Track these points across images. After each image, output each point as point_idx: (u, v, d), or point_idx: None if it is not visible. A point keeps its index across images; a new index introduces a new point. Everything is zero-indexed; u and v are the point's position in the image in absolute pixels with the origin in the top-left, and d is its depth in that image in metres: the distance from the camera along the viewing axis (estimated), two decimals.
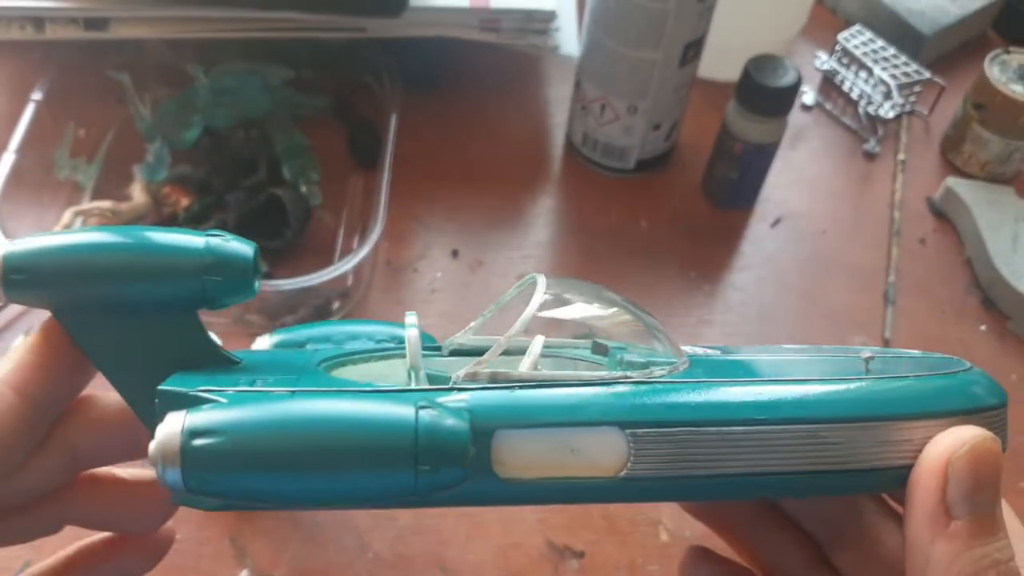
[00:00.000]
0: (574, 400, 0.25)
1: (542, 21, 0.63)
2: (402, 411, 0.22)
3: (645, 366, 0.27)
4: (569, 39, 0.66)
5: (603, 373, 0.26)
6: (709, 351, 0.32)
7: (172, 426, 0.22)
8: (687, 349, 0.31)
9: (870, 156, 0.71)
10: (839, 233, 0.66)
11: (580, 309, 0.31)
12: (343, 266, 0.52)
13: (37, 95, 0.59)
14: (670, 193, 0.67)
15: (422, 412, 0.22)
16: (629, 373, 0.26)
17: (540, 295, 0.28)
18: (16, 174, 0.55)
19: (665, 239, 0.64)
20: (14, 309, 0.56)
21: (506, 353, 0.27)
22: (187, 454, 0.21)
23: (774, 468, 0.25)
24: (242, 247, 0.27)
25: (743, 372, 0.28)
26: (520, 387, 0.25)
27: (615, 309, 0.31)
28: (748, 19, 0.70)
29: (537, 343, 0.27)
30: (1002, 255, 0.62)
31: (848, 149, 0.72)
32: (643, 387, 0.26)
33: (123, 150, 0.62)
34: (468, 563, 0.47)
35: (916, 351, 0.31)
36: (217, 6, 0.59)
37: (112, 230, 0.28)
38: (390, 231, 0.61)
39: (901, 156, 0.71)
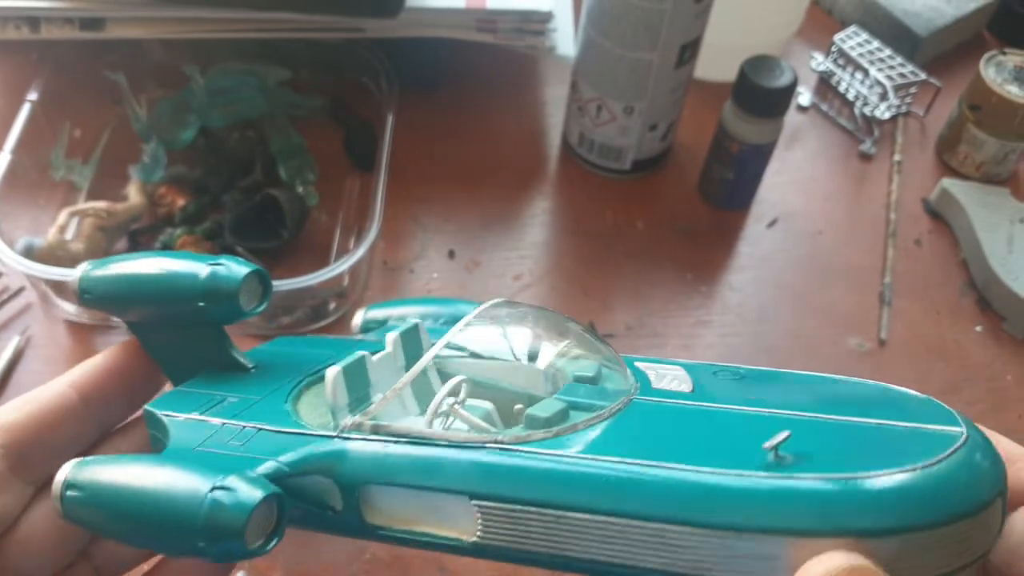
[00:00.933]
0: (433, 464, 0.25)
1: (538, 22, 0.63)
2: (197, 491, 0.24)
3: (545, 422, 0.26)
4: (565, 40, 0.66)
5: (474, 435, 0.26)
6: (681, 379, 0.28)
7: (60, 474, 0.26)
8: (670, 370, 0.29)
9: (866, 157, 0.71)
10: (835, 234, 0.66)
11: (523, 343, 0.31)
12: (340, 267, 0.52)
13: (32, 95, 0.59)
14: (666, 194, 0.67)
15: (212, 494, 0.24)
16: (500, 437, 0.25)
17: (438, 347, 0.29)
18: (12, 175, 0.55)
19: (661, 240, 0.64)
20: (9, 310, 0.56)
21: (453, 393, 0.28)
22: (63, 500, 0.26)
23: (620, 560, 0.23)
24: (231, 276, 0.30)
25: (655, 435, 0.25)
26: (395, 443, 0.26)
27: (565, 343, 0.31)
28: (744, 20, 0.70)
29: (437, 398, 0.27)
30: (997, 256, 0.62)
31: (844, 150, 0.72)
32: (503, 456, 0.25)
33: (119, 150, 0.62)
34: (466, 564, 0.47)
35: (920, 397, 0.26)
36: (213, 6, 0.59)
37: (147, 259, 0.32)
38: (387, 232, 0.61)
39: (897, 157, 0.71)
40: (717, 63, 0.69)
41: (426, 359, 0.28)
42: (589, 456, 0.24)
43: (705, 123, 0.66)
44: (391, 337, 0.31)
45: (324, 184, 0.62)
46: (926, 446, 0.22)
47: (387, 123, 0.61)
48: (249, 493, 0.24)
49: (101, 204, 0.57)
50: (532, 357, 0.30)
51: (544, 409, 0.26)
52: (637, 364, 0.30)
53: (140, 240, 0.58)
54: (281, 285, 0.51)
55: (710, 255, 0.64)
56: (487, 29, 0.63)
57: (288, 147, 0.62)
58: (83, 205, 0.57)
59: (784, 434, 0.23)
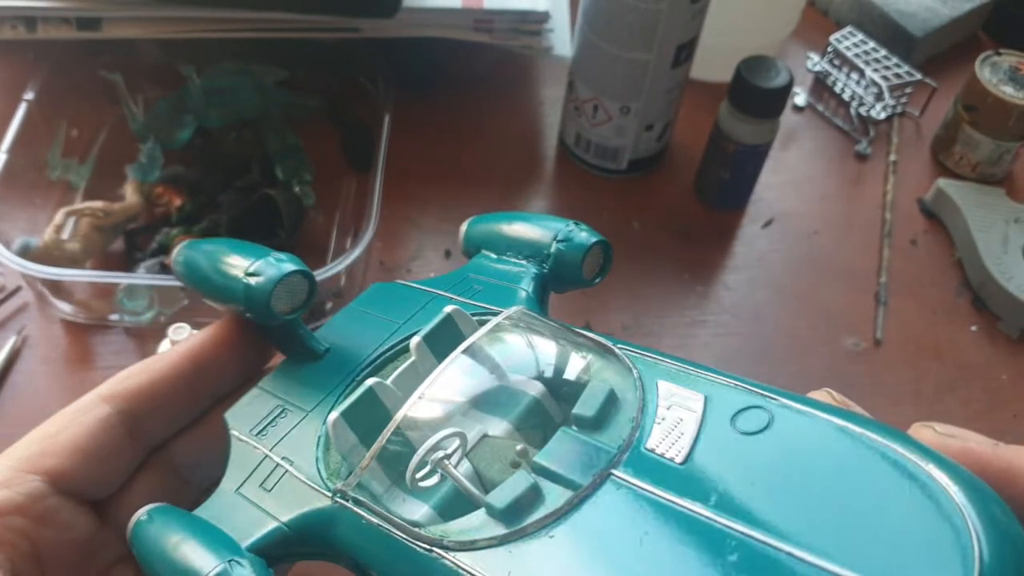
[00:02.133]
0: (389, 559, 0.25)
1: (535, 22, 0.63)
2: None
3: (500, 514, 0.23)
4: (562, 40, 0.66)
5: (424, 534, 0.24)
6: (685, 428, 0.24)
7: (131, 522, 0.28)
8: (684, 399, 0.25)
9: (861, 157, 0.71)
10: (831, 234, 0.66)
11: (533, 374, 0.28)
12: (336, 266, 0.52)
13: (29, 95, 0.59)
14: (663, 194, 0.67)
15: None
16: (446, 540, 0.23)
17: (411, 403, 0.27)
18: (8, 174, 0.55)
19: (658, 239, 0.64)
20: (6, 310, 0.56)
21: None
22: (131, 540, 0.28)
23: None
24: (259, 288, 0.30)
25: (599, 556, 0.22)
26: (370, 521, 0.25)
27: (577, 364, 0.28)
28: (740, 20, 0.70)
29: (417, 456, 0.25)
30: (993, 256, 0.62)
31: (840, 150, 0.72)
32: (437, 566, 0.23)
33: (115, 150, 0.62)
34: None
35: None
36: (210, 6, 0.59)
37: (207, 256, 0.33)
38: (383, 232, 0.61)
39: (892, 157, 0.71)
40: (713, 63, 0.69)
41: (397, 419, 0.26)
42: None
43: (701, 123, 0.67)
44: (414, 343, 0.29)
45: (321, 184, 0.62)
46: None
47: (384, 123, 0.61)
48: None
49: (98, 204, 0.57)
50: (537, 375, 0.28)
51: (505, 494, 0.23)
52: (659, 383, 0.26)
53: (137, 240, 0.58)
54: None
55: (706, 255, 0.64)
56: (484, 29, 0.63)
57: (285, 147, 0.62)
58: (79, 205, 0.57)
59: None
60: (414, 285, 0.35)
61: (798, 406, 0.23)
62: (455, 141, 0.68)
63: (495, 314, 0.30)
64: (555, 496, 0.23)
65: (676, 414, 0.24)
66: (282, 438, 0.30)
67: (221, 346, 0.34)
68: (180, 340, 0.45)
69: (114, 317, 0.55)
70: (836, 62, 0.75)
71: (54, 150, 0.60)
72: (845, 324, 0.61)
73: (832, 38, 0.75)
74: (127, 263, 0.57)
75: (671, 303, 0.61)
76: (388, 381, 0.29)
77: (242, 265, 0.31)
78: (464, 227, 0.37)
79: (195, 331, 0.47)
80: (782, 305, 0.62)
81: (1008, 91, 0.65)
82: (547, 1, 0.63)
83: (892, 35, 0.76)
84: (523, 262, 0.34)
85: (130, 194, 0.59)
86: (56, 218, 0.56)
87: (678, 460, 0.23)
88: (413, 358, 0.29)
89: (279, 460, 0.29)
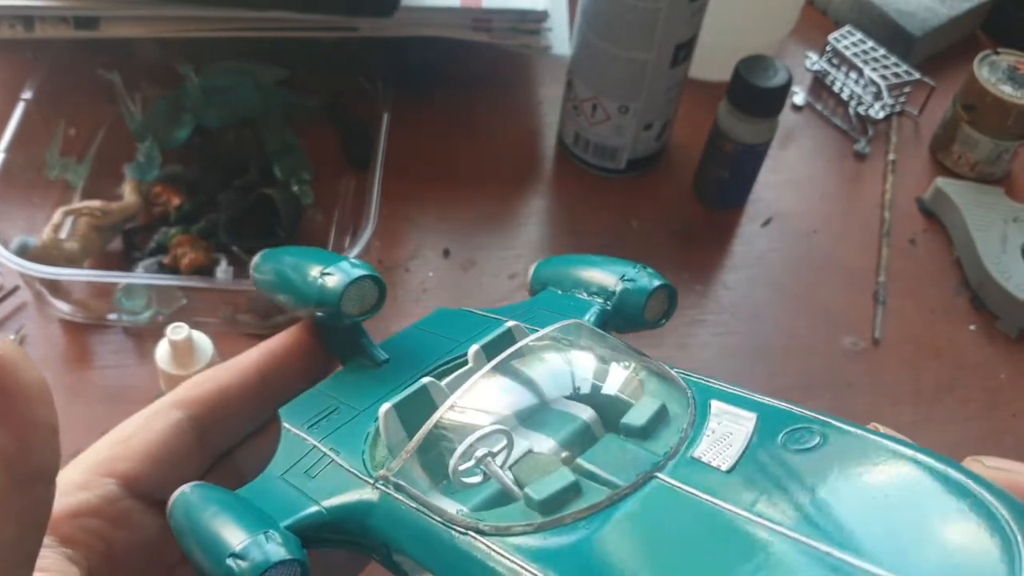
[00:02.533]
0: (425, 541, 0.25)
1: (534, 21, 0.63)
2: (225, 553, 0.26)
3: (539, 505, 0.24)
4: (561, 39, 0.66)
5: (461, 519, 0.25)
6: (734, 440, 0.24)
7: (172, 497, 0.29)
8: (735, 417, 0.25)
9: (860, 156, 0.71)
10: (830, 233, 0.66)
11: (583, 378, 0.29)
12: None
13: (27, 94, 0.59)
14: (661, 193, 0.67)
15: (232, 561, 0.25)
16: (482, 525, 0.24)
17: (455, 398, 0.27)
18: (6, 173, 0.55)
19: (656, 239, 0.64)
20: (4, 309, 0.56)
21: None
22: (169, 512, 0.29)
23: None
24: (332, 289, 0.32)
25: (636, 552, 0.23)
26: (408, 507, 0.26)
27: (630, 377, 0.29)
28: (739, 20, 0.70)
29: (460, 449, 0.26)
30: (991, 255, 0.62)
31: (838, 149, 0.72)
32: (476, 550, 0.24)
33: (114, 149, 0.62)
34: None
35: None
36: (208, 5, 0.59)
37: (281, 263, 0.35)
38: (382, 231, 0.61)
39: (891, 156, 0.71)
40: (712, 63, 0.69)
41: (446, 406, 0.27)
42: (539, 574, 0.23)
43: (700, 123, 0.67)
44: (473, 350, 0.30)
45: (319, 183, 0.62)
46: None
47: (382, 122, 0.61)
48: (251, 565, 0.26)
49: (96, 203, 0.57)
50: (589, 391, 0.28)
51: (544, 488, 0.24)
52: (712, 402, 0.26)
53: (135, 240, 0.58)
54: None
55: (705, 254, 0.64)
56: (482, 28, 0.63)
57: (283, 146, 0.62)
58: (78, 204, 0.57)
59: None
60: (478, 312, 0.37)
61: (851, 428, 0.23)
62: (454, 140, 0.68)
63: None
64: (595, 493, 0.24)
65: (726, 428, 0.25)
66: (332, 432, 0.31)
67: (286, 357, 0.35)
68: (178, 340, 0.45)
69: (112, 316, 0.55)
70: (835, 61, 0.75)
71: (52, 149, 0.60)
72: (844, 323, 0.61)
73: (831, 37, 0.75)
74: (125, 262, 0.57)
75: None
76: (442, 383, 0.30)
77: (318, 268, 0.33)
78: (533, 267, 0.39)
79: (196, 331, 0.47)
80: (781, 304, 0.62)
81: (1007, 90, 0.65)
82: (545, 0, 0.63)
83: (891, 34, 0.76)
84: (588, 299, 0.35)
85: (128, 193, 0.59)
86: (54, 217, 0.56)
87: (724, 468, 0.23)
88: (470, 364, 0.30)
89: (326, 450, 0.30)
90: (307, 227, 0.60)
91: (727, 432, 0.24)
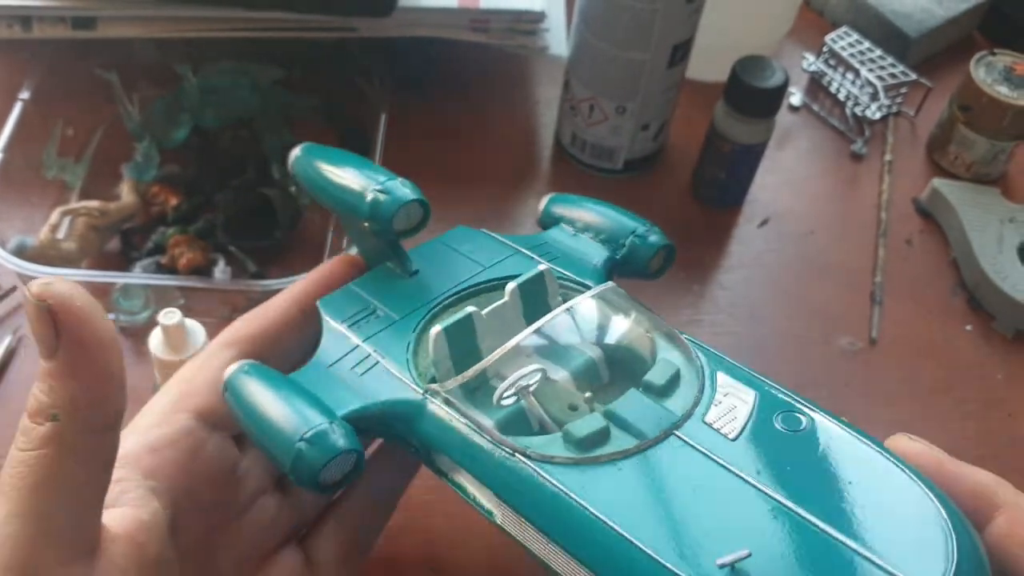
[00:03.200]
0: (472, 454, 0.30)
1: (531, 21, 0.63)
2: (292, 437, 0.30)
3: (577, 443, 0.28)
4: (558, 39, 0.66)
5: (508, 441, 0.29)
6: (738, 413, 0.29)
7: (227, 371, 0.33)
8: (739, 392, 0.30)
9: (857, 157, 0.72)
10: (826, 233, 0.66)
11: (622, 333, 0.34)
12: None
13: (24, 94, 0.59)
14: (658, 193, 0.67)
15: (298, 444, 0.29)
16: (528, 451, 0.28)
17: (524, 335, 0.31)
18: (3, 173, 0.55)
19: None
20: (1, 309, 0.56)
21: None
22: (226, 386, 0.33)
23: None
24: (389, 204, 0.35)
25: (658, 496, 0.27)
26: (457, 419, 0.30)
27: (656, 340, 0.33)
28: (736, 20, 0.70)
29: (506, 383, 0.30)
30: (988, 256, 0.62)
31: (835, 150, 0.72)
32: (522, 471, 0.28)
33: (111, 149, 0.62)
34: (459, 563, 0.47)
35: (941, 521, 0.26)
36: (206, 6, 0.59)
37: (336, 168, 0.38)
38: None
39: (888, 157, 0.71)
40: (709, 63, 0.69)
41: (515, 341, 0.31)
42: (580, 502, 0.27)
43: (697, 123, 0.67)
44: (510, 287, 0.34)
45: None
46: None
47: (379, 122, 0.61)
48: (322, 453, 0.29)
49: (94, 203, 0.57)
50: (621, 348, 0.33)
51: (583, 427, 0.28)
52: (718, 374, 0.31)
53: (133, 240, 0.58)
54: (274, 284, 0.51)
55: (701, 254, 0.64)
56: (480, 29, 0.63)
57: (281, 147, 0.62)
58: (75, 204, 0.57)
59: (742, 553, 0.24)
60: (497, 237, 0.40)
61: (831, 421, 0.29)
62: (451, 141, 0.68)
63: (575, 281, 0.37)
64: (623, 440, 0.28)
65: (731, 401, 0.30)
66: (373, 335, 0.35)
67: (323, 290, 0.38)
68: (170, 325, 0.45)
69: (110, 316, 0.55)
70: (832, 62, 0.75)
71: (50, 149, 0.60)
72: (840, 324, 0.61)
73: (828, 38, 0.75)
74: (123, 263, 0.57)
75: (667, 302, 0.61)
76: (483, 313, 0.33)
77: (372, 185, 0.36)
78: (544, 200, 0.43)
79: (188, 319, 0.47)
80: (777, 304, 0.62)
81: (1003, 91, 0.65)
82: (543, 1, 0.63)
83: (887, 35, 0.76)
84: (597, 243, 0.40)
85: (126, 193, 0.59)
86: (52, 217, 0.56)
87: (731, 436, 0.28)
88: (506, 300, 0.34)
89: (371, 351, 0.34)
90: (305, 227, 0.60)
91: (732, 405, 0.29)
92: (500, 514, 0.29)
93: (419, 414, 0.31)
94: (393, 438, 0.33)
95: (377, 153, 0.59)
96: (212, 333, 0.51)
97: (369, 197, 0.35)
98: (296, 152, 0.39)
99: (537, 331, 0.32)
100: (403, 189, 0.36)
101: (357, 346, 0.34)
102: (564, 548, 0.27)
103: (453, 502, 0.48)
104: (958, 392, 0.58)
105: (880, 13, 0.77)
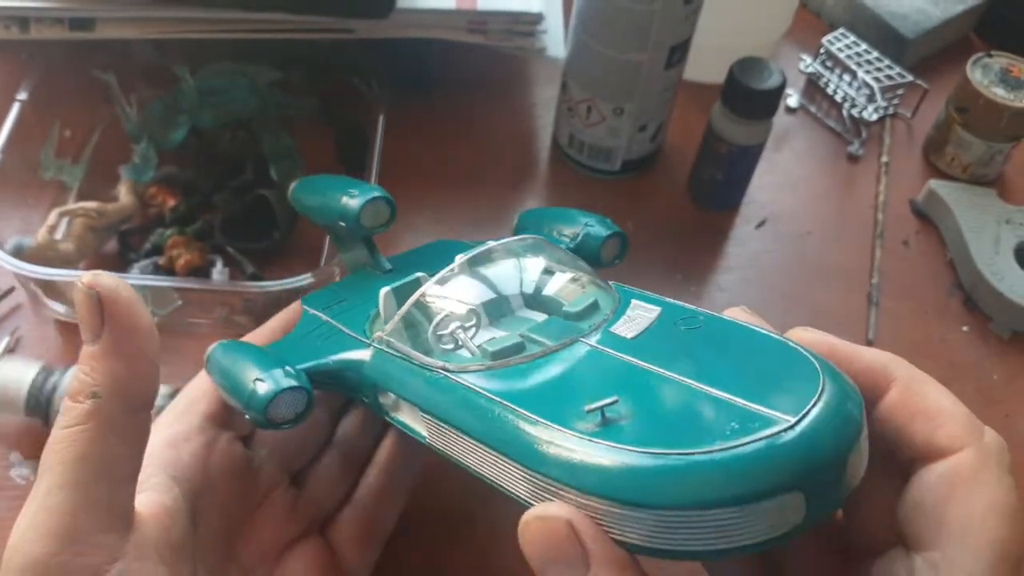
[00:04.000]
0: (401, 380, 0.34)
1: (529, 23, 0.63)
2: (247, 378, 0.34)
3: (491, 356, 0.32)
4: (556, 41, 0.66)
5: (432, 360, 0.33)
6: (643, 322, 0.33)
7: (207, 350, 0.38)
8: (647, 311, 0.33)
9: (854, 158, 0.72)
10: (823, 234, 0.66)
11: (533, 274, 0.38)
12: (331, 267, 0.52)
13: (22, 95, 0.59)
14: (656, 194, 0.67)
15: (252, 384, 0.34)
16: (448, 365, 0.32)
17: (428, 285, 0.36)
18: (1, 174, 0.55)
19: (651, 240, 0.64)
20: (1, 310, 0.56)
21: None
22: (206, 360, 0.38)
23: (492, 477, 0.30)
24: (352, 207, 0.42)
25: (553, 380, 0.31)
26: (394, 357, 0.35)
27: (574, 278, 0.37)
28: (733, 22, 0.70)
29: (433, 324, 0.35)
30: (984, 257, 0.62)
31: (832, 151, 0.72)
32: (440, 382, 0.32)
33: (109, 150, 0.62)
34: (456, 564, 0.47)
35: (809, 367, 0.28)
36: (204, 7, 0.59)
37: (322, 185, 0.46)
38: None
39: (884, 158, 0.71)
40: (706, 65, 0.69)
41: (416, 296, 0.36)
42: (485, 392, 0.30)
43: (694, 124, 0.67)
44: (459, 259, 0.37)
45: None
46: (742, 429, 0.25)
47: (378, 124, 0.61)
48: (271, 387, 0.34)
49: (91, 204, 0.57)
50: (541, 291, 0.37)
51: (498, 343, 0.33)
52: (633, 301, 0.35)
53: (131, 241, 0.58)
54: (272, 285, 0.51)
55: (699, 255, 0.64)
56: (478, 30, 0.63)
57: (279, 148, 0.62)
58: (73, 205, 0.57)
59: (609, 400, 0.27)
60: (472, 244, 0.43)
61: (724, 318, 0.33)
62: (449, 142, 0.69)
63: None
64: (533, 349, 0.32)
65: (638, 315, 0.34)
66: (341, 313, 0.40)
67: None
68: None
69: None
70: (828, 64, 0.76)
71: (47, 150, 0.60)
72: (837, 324, 0.61)
73: (824, 40, 0.76)
74: (121, 264, 0.57)
75: None
76: (431, 280, 0.37)
77: (343, 192, 0.42)
78: (518, 216, 0.48)
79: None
80: (774, 305, 0.62)
81: (999, 92, 0.66)
82: (541, 2, 0.63)
83: (884, 37, 0.77)
84: (555, 238, 0.44)
85: (124, 194, 0.59)
86: (50, 218, 0.56)
87: (630, 337, 0.32)
88: (453, 266, 0.37)
89: (335, 323, 0.40)
90: (303, 229, 0.61)
91: (638, 316, 0.33)
92: (427, 431, 0.33)
93: (363, 363, 0.36)
94: (348, 391, 0.37)
95: (375, 154, 0.59)
96: (210, 334, 0.51)
97: (339, 201, 0.42)
98: (293, 187, 0.47)
99: (476, 283, 0.36)
100: (368, 190, 0.42)
101: (325, 322, 0.40)
102: (472, 436, 0.30)
103: (452, 503, 0.48)
104: (955, 392, 0.58)
105: (877, 15, 0.77)
